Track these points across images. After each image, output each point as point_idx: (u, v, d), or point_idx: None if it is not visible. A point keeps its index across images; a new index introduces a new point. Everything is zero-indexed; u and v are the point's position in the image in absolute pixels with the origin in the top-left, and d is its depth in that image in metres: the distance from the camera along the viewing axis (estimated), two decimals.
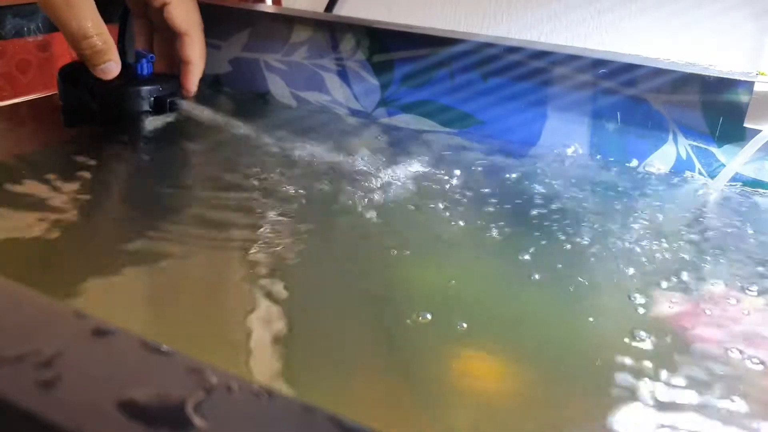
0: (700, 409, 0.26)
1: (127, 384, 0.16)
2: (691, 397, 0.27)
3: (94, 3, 0.46)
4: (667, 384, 0.27)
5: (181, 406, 0.15)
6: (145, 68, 0.51)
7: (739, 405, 0.26)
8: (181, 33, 0.51)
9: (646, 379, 0.27)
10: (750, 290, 0.34)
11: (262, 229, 0.38)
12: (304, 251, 0.36)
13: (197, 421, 0.15)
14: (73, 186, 0.42)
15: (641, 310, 0.32)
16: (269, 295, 0.31)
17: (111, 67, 0.48)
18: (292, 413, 0.15)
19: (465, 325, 0.30)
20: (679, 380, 0.27)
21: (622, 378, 0.27)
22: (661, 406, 0.26)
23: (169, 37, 0.53)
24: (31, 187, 0.41)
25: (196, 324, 0.30)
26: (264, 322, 0.29)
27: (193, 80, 0.53)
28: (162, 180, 0.46)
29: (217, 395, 0.16)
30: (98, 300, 0.31)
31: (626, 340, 0.30)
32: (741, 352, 0.29)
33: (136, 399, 0.15)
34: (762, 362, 0.29)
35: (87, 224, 0.39)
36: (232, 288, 0.33)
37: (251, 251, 0.35)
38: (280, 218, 0.39)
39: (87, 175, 0.44)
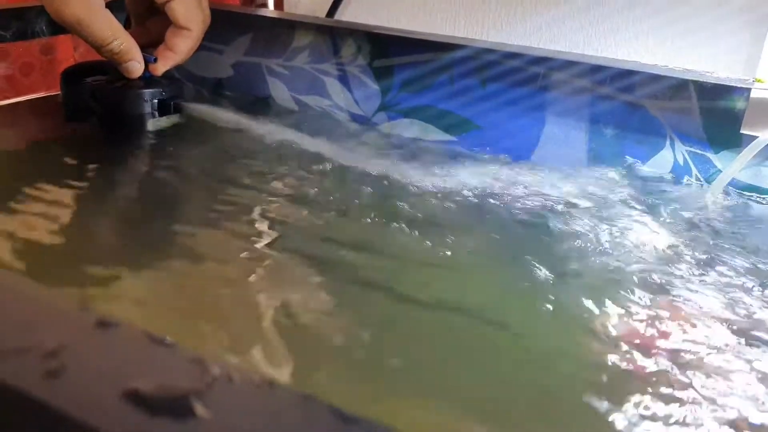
0: None
1: (130, 375, 0.16)
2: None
3: (107, 11, 0.47)
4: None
5: (183, 396, 0.16)
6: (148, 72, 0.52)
7: None
8: (181, 27, 0.51)
9: None
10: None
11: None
12: None
13: (200, 411, 0.15)
14: (75, 184, 0.42)
15: None
16: None
17: (134, 66, 0.50)
18: (292, 404, 0.16)
19: None
20: None
21: None
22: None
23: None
24: (29, 183, 0.41)
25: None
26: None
27: (168, 66, 0.52)
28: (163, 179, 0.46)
29: (219, 386, 0.16)
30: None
31: None
32: None
33: (140, 389, 0.16)
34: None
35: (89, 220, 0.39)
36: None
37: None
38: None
39: (86, 175, 0.45)
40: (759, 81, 0.47)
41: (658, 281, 0.35)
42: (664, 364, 0.29)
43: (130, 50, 0.49)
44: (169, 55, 0.51)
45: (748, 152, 0.45)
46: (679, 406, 0.26)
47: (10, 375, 0.16)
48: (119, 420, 0.15)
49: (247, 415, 0.15)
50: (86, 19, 0.46)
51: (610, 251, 0.38)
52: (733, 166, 0.46)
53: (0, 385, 0.16)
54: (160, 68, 0.52)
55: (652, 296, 0.34)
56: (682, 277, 0.36)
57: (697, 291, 0.35)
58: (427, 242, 0.38)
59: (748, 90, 0.46)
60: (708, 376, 0.28)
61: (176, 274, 0.34)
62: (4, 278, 0.20)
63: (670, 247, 0.39)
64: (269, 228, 0.39)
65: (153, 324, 0.30)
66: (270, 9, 0.78)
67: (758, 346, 0.30)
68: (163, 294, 0.33)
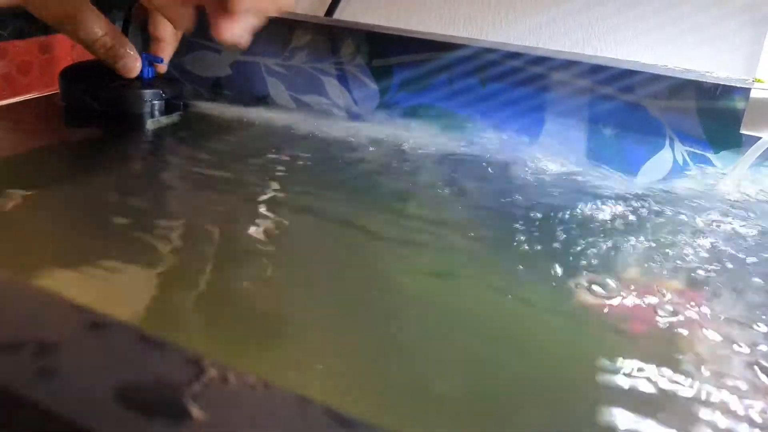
0: None
1: (124, 374, 0.16)
2: None
3: (93, 8, 0.46)
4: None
5: (178, 396, 0.15)
6: (147, 71, 0.52)
7: None
8: (153, 9, 0.49)
9: None
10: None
11: None
12: None
13: (194, 411, 0.15)
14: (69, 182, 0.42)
15: None
16: None
17: (128, 64, 0.49)
18: (287, 405, 0.16)
19: None
20: None
21: None
22: None
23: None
24: (28, 184, 0.41)
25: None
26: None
27: (169, 55, 0.52)
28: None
29: (214, 386, 0.16)
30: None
31: None
32: None
33: (134, 389, 0.16)
34: None
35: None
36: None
37: None
38: None
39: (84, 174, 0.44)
40: (759, 81, 0.47)
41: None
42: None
43: (122, 46, 0.48)
44: (161, 47, 0.51)
45: (754, 152, 0.45)
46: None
47: (1, 373, 0.16)
48: (112, 420, 0.15)
49: (242, 415, 0.15)
50: (74, 13, 0.45)
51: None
52: (739, 166, 0.46)
53: None
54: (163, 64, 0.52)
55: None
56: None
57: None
58: None
59: (748, 90, 0.46)
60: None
61: (180, 271, 0.34)
62: None
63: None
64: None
65: (155, 322, 0.30)
66: None
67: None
68: (165, 292, 0.32)
